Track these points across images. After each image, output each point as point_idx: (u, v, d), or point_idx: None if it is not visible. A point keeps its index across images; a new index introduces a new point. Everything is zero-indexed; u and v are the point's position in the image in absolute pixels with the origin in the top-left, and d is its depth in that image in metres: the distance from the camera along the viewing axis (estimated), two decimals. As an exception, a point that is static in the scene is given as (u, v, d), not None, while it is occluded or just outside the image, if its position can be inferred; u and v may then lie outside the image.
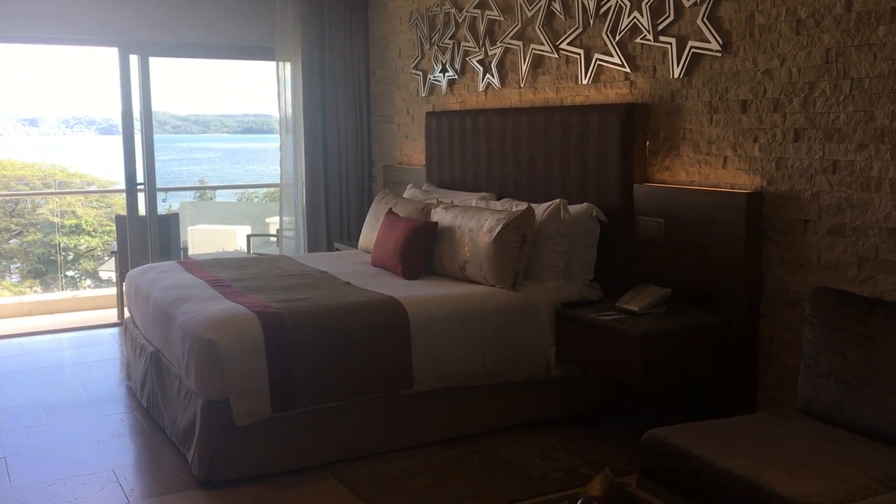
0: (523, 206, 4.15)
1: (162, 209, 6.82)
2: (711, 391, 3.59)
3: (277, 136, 6.58)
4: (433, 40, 5.64)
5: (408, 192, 5.34)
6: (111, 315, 6.60)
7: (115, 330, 6.04)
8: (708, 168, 3.66)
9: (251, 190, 10.81)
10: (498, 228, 3.93)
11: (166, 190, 6.99)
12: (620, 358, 3.42)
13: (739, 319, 3.45)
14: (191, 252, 6.60)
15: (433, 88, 5.77)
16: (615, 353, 3.44)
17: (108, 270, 9.41)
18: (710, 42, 3.56)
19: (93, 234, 11.49)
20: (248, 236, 6.94)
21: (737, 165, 3.52)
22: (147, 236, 6.28)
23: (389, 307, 3.64)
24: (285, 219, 6.62)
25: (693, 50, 3.65)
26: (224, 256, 6.21)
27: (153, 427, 3.97)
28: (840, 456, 2.42)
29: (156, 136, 6.33)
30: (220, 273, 4.33)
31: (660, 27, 3.81)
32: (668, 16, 3.76)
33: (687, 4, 3.66)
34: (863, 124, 2.99)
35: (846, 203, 3.08)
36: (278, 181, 6.63)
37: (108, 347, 5.61)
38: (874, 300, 2.72)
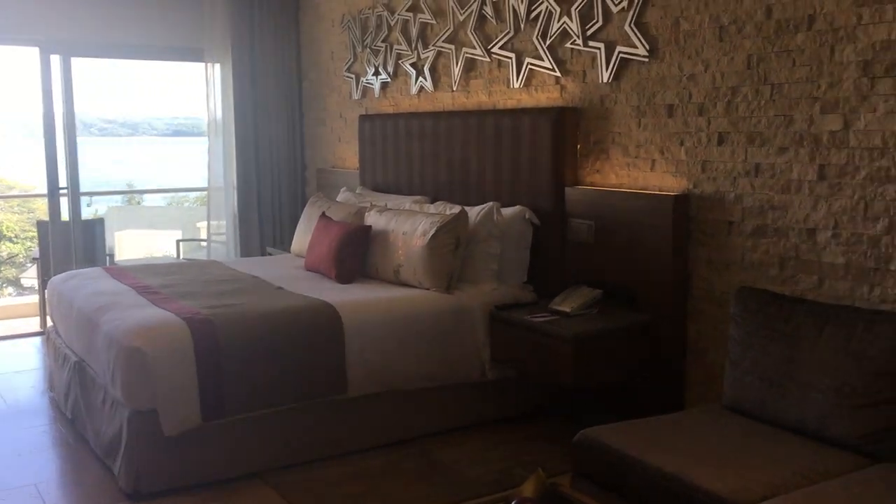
0: (457, 209, 4.16)
1: (87, 214, 6.63)
2: (643, 390, 3.65)
3: (207, 139, 6.47)
4: (366, 43, 5.62)
5: (341, 196, 5.30)
6: (34, 324, 6.38)
7: (37, 339, 5.84)
8: (637, 171, 3.72)
9: (182, 194, 10.59)
10: (432, 232, 3.93)
11: (90, 194, 6.79)
12: (553, 359, 3.45)
13: (668, 319, 3.52)
14: (118, 258, 6.43)
15: (366, 91, 5.74)
16: (548, 354, 3.47)
17: (31, 278, 9.11)
18: (637, 48, 3.63)
19: (14, 240, 11.09)
20: (178, 241, 6.80)
21: (664, 168, 3.59)
22: (70, 242, 6.09)
23: (323, 312, 3.61)
24: (217, 223, 6.51)
25: (621, 55, 3.71)
26: (152, 262, 6.06)
27: (78, 439, 3.85)
28: (765, 451, 2.49)
29: (80, 139, 6.15)
30: (148, 279, 4.22)
31: (589, 32, 3.87)
32: (597, 21, 3.81)
33: (615, 10, 3.73)
34: (783, 128, 3.09)
35: (768, 205, 3.17)
36: (207, 185, 6.50)
37: (30, 357, 5.42)
38: (796, 298, 2.81)
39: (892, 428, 2.44)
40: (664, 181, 3.59)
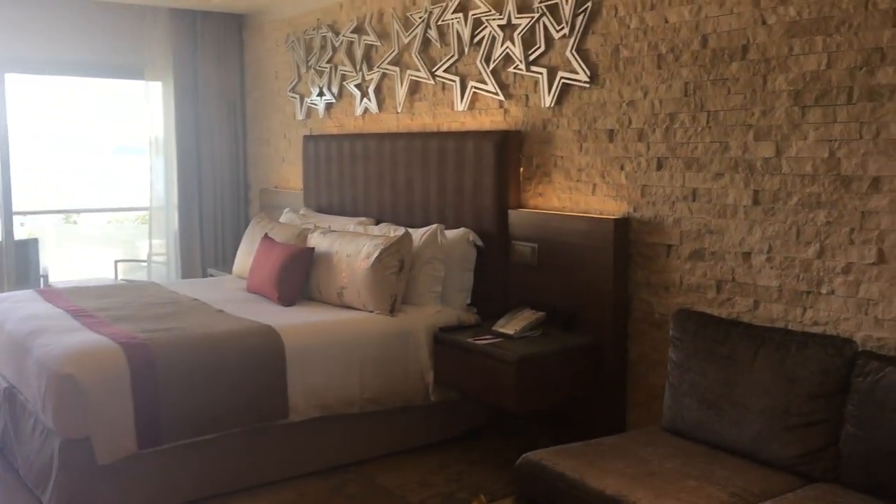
0: (401, 231, 4.15)
1: (21, 234, 6.44)
2: (585, 411, 3.68)
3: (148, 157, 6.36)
4: (310, 63, 5.60)
5: (284, 217, 5.25)
6: (-38, 347, 6.14)
7: (-34, 364, 5.62)
8: (578, 194, 3.77)
9: (121, 213, 10.32)
10: (375, 254, 3.92)
11: (24, 213, 6.60)
12: (497, 382, 3.45)
13: (608, 341, 3.56)
14: (52, 279, 6.25)
15: (310, 112, 5.71)
16: (492, 376, 3.48)
17: (-39, 299, 8.76)
18: (578, 73, 3.68)
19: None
20: (116, 262, 6.63)
21: (605, 192, 3.64)
22: (2, 263, 5.90)
23: (264, 335, 3.56)
24: (156, 242, 6.39)
25: (563, 80, 3.76)
26: (88, 284, 5.91)
27: (6, 468, 3.70)
28: (703, 472, 2.53)
29: (16, 156, 5.98)
30: (83, 302, 4.11)
31: (531, 57, 3.91)
32: (539, 47, 3.87)
33: (556, 37, 3.78)
34: (719, 154, 3.16)
35: (705, 229, 3.24)
36: (148, 204, 6.38)
37: (-43, 383, 5.21)
38: (732, 321, 2.87)
39: (825, 448, 2.50)
40: (605, 205, 3.64)
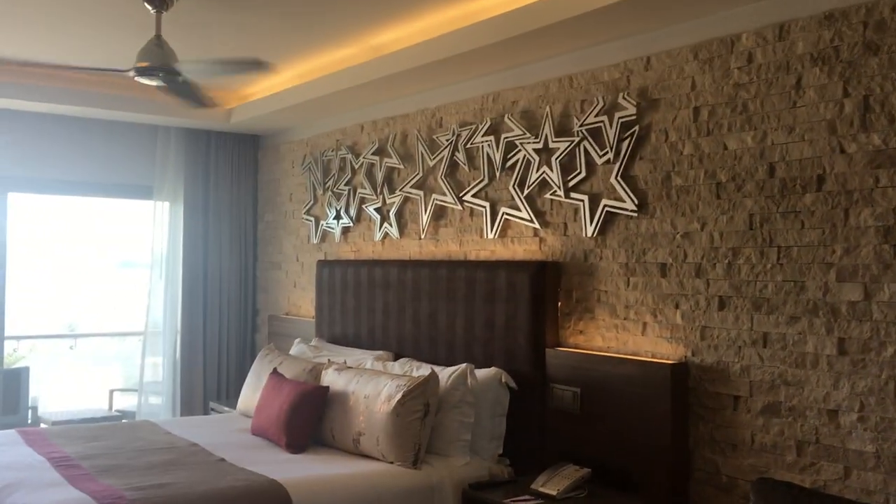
0: (426, 370, 3.75)
1: (12, 358, 6.04)
2: (638, 588, 3.17)
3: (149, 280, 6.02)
4: (327, 185, 5.34)
5: (295, 349, 4.86)
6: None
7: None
8: (626, 334, 3.38)
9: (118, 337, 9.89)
10: (398, 396, 3.50)
11: (17, 338, 6.23)
12: (539, 554, 2.97)
13: (666, 505, 3.10)
14: (42, 411, 5.79)
15: (326, 235, 5.41)
16: (532, 547, 3.00)
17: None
18: (625, 201, 3.37)
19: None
20: (111, 392, 6.19)
21: (657, 332, 3.26)
22: (-11, 393, 5.47)
23: (269, 493, 3.10)
24: (152, 369, 5.96)
25: (607, 209, 3.45)
26: (79, 417, 5.46)
27: None
28: None
29: (14, 278, 5.66)
30: (68, 447, 3.67)
31: (571, 183, 3.62)
32: (580, 172, 3.57)
33: (599, 162, 3.49)
34: (793, 295, 2.79)
35: (780, 380, 2.83)
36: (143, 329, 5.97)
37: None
38: (829, 496, 2.42)
39: None
40: (658, 346, 3.25)
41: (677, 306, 3.19)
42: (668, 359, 3.18)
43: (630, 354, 3.35)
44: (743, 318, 2.95)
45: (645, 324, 3.31)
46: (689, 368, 3.12)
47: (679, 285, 3.18)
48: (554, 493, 3.15)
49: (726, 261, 3.01)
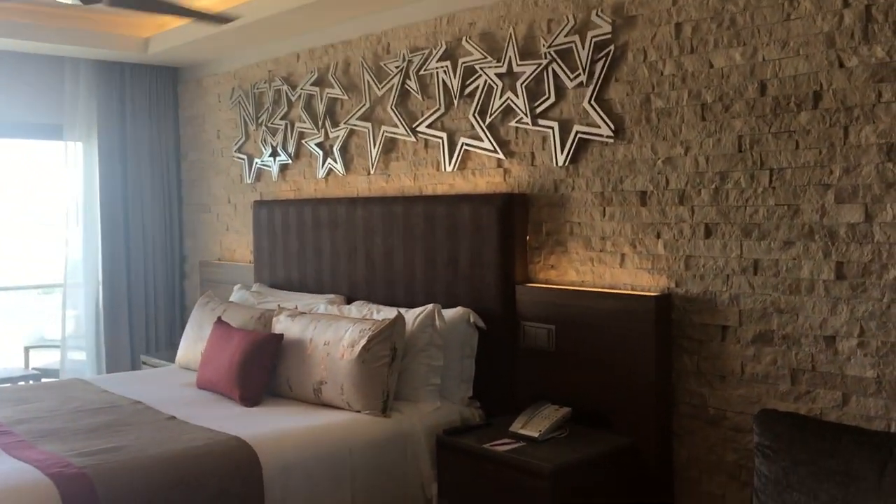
0: (388, 312, 3.53)
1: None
2: (621, 525, 3.08)
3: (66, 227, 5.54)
4: (260, 120, 4.97)
5: (236, 295, 4.54)
6: None
7: None
8: (602, 266, 3.23)
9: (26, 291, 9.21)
10: (362, 342, 3.28)
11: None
12: (524, 498, 2.82)
13: (650, 442, 2.99)
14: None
15: (261, 174, 5.06)
16: (518, 492, 2.85)
17: None
18: (599, 127, 3.18)
19: None
20: (27, 348, 5.74)
21: (637, 264, 3.11)
22: None
23: (234, 451, 2.85)
24: (74, 326, 5.53)
25: (580, 135, 3.25)
26: (-2, 379, 5.03)
27: None
28: None
29: None
30: (-5, 411, 3.31)
31: (538, 110, 3.40)
32: (548, 97, 3.36)
33: (570, 86, 3.28)
34: (787, 220, 2.68)
35: (773, 307, 2.73)
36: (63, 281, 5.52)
37: None
38: (839, 426, 2.34)
39: None
40: (638, 279, 3.11)
41: (659, 236, 3.04)
42: (650, 291, 3.05)
43: (607, 287, 3.20)
44: (731, 246, 2.83)
45: (623, 255, 3.16)
46: (673, 300, 2.99)
47: (661, 214, 3.03)
48: (536, 434, 3.00)
49: (713, 186, 2.87)
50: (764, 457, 2.39)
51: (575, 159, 3.29)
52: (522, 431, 3.05)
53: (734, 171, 2.81)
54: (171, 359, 4.66)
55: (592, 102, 3.20)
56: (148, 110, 5.69)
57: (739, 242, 2.81)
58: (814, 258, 2.62)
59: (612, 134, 3.15)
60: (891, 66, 2.43)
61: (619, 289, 3.16)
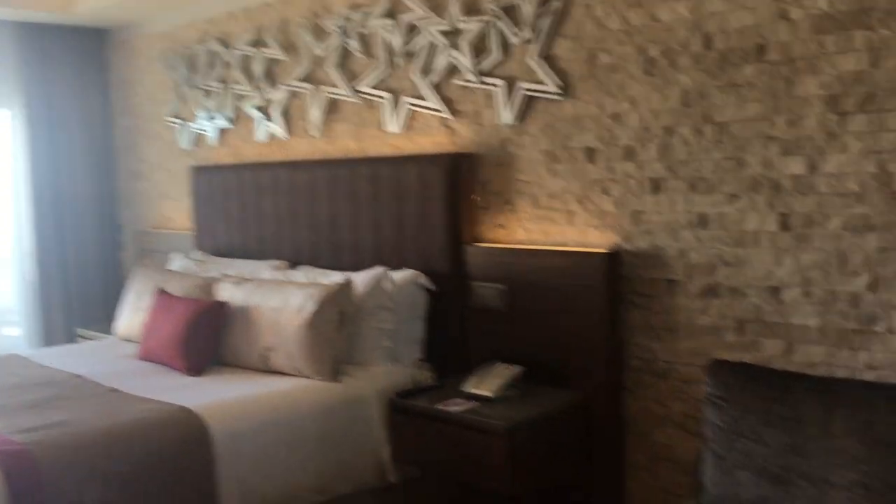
0: (334, 276, 3.48)
1: None
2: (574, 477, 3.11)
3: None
4: (194, 83, 4.81)
5: (176, 264, 4.42)
6: None
7: None
8: (551, 224, 3.23)
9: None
10: (310, 307, 3.22)
11: None
12: (481, 458, 2.83)
13: (601, 396, 3.02)
14: None
15: (197, 139, 4.91)
16: (473, 451, 2.85)
17: None
18: (545, 84, 3.15)
19: None
20: (-44, 326, 5.52)
21: (585, 221, 3.12)
22: None
23: (182, 423, 2.78)
24: (3, 301, 5.34)
25: (526, 93, 3.22)
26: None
27: None
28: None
29: None
30: (-75, 390, 3.16)
31: (483, 68, 3.35)
32: (494, 55, 3.31)
33: (515, 42, 3.24)
34: (732, 172, 2.70)
35: (719, 260, 2.76)
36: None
37: None
38: (789, 374, 2.39)
39: (929, 525, 2.05)
40: (587, 236, 3.12)
41: (607, 192, 3.05)
42: (599, 248, 3.06)
43: (556, 245, 3.20)
44: (678, 200, 2.85)
45: (571, 213, 3.16)
46: (622, 256, 3.01)
47: (608, 170, 3.03)
48: (490, 393, 3.00)
49: (659, 141, 2.88)
50: (715, 406, 2.43)
51: (522, 117, 3.27)
52: (475, 391, 3.05)
53: (680, 126, 2.82)
54: (109, 331, 4.53)
55: (538, 59, 3.17)
56: (76, 75, 5.46)
57: (686, 196, 2.83)
58: (759, 210, 2.66)
59: (558, 91, 3.13)
60: (834, 18, 2.46)
61: (569, 246, 3.16)
